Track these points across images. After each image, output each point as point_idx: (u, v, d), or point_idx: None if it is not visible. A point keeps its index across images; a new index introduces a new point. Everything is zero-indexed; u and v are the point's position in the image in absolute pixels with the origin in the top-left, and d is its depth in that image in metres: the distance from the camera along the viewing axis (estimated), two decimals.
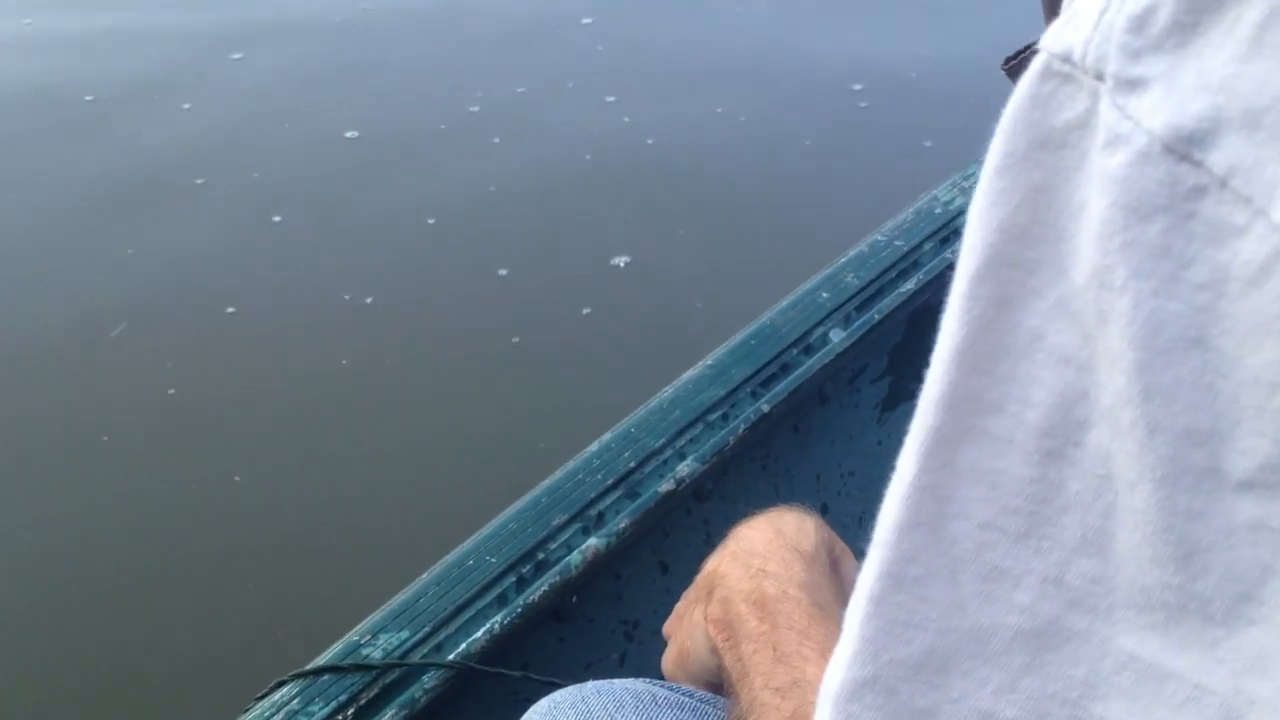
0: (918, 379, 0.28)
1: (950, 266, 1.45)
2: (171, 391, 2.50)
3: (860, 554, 0.30)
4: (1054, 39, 0.25)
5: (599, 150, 3.39)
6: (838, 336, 1.27)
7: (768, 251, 2.89)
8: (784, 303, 1.30)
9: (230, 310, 2.74)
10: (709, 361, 1.23)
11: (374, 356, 2.60)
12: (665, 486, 1.13)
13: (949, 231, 1.39)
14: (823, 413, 1.34)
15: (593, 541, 1.08)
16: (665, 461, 1.15)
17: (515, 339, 2.65)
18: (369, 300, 2.78)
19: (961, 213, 1.41)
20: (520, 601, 1.03)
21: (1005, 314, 0.25)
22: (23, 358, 2.61)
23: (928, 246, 1.38)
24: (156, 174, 3.32)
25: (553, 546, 1.07)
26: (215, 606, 2.01)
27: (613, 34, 4.12)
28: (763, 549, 0.75)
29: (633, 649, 1.18)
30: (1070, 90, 0.24)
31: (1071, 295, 0.24)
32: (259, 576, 2.07)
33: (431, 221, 3.07)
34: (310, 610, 1.98)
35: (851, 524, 1.34)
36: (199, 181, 3.26)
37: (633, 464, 1.13)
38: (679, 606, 0.79)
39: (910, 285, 1.34)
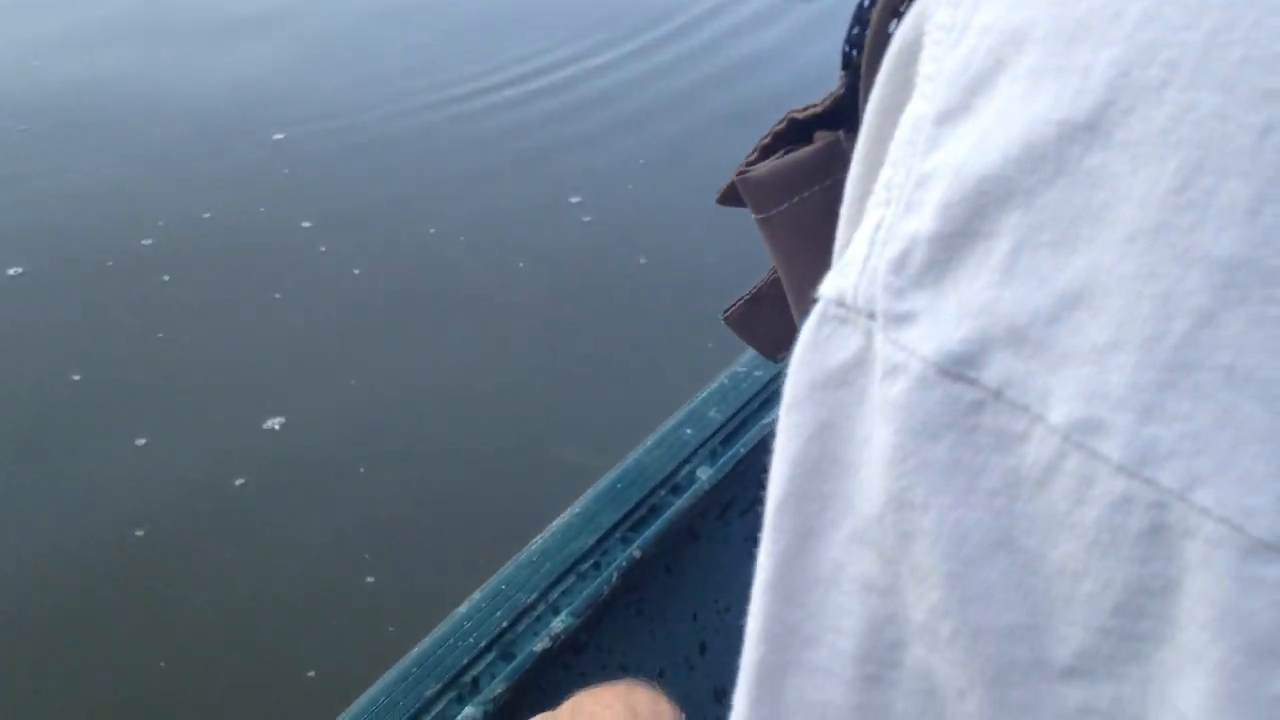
0: None
1: None
2: None
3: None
4: (828, 286, 0.26)
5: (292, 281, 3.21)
6: (705, 474, 1.26)
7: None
8: (649, 442, 1.29)
9: None
10: (576, 509, 1.21)
11: None
12: (541, 644, 1.09)
13: None
14: (694, 550, 1.32)
15: (468, 711, 1.03)
16: (539, 618, 1.11)
17: (139, 532, 2.43)
18: None
19: None
20: None
21: (809, 546, 0.27)
22: None
23: (787, 374, 1.39)
24: None
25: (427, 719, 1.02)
26: None
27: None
28: None
29: None
30: (846, 331, 0.26)
31: (864, 526, 0.25)
32: None
33: (76, 377, 2.85)
34: None
35: (732, 660, 1.32)
36: None
37: (505, 623, 1.10)
38: None
39: (773, 415, 1.34)
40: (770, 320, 0.32)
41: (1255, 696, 0.20)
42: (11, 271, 3.18)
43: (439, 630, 1.09)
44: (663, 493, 1.24)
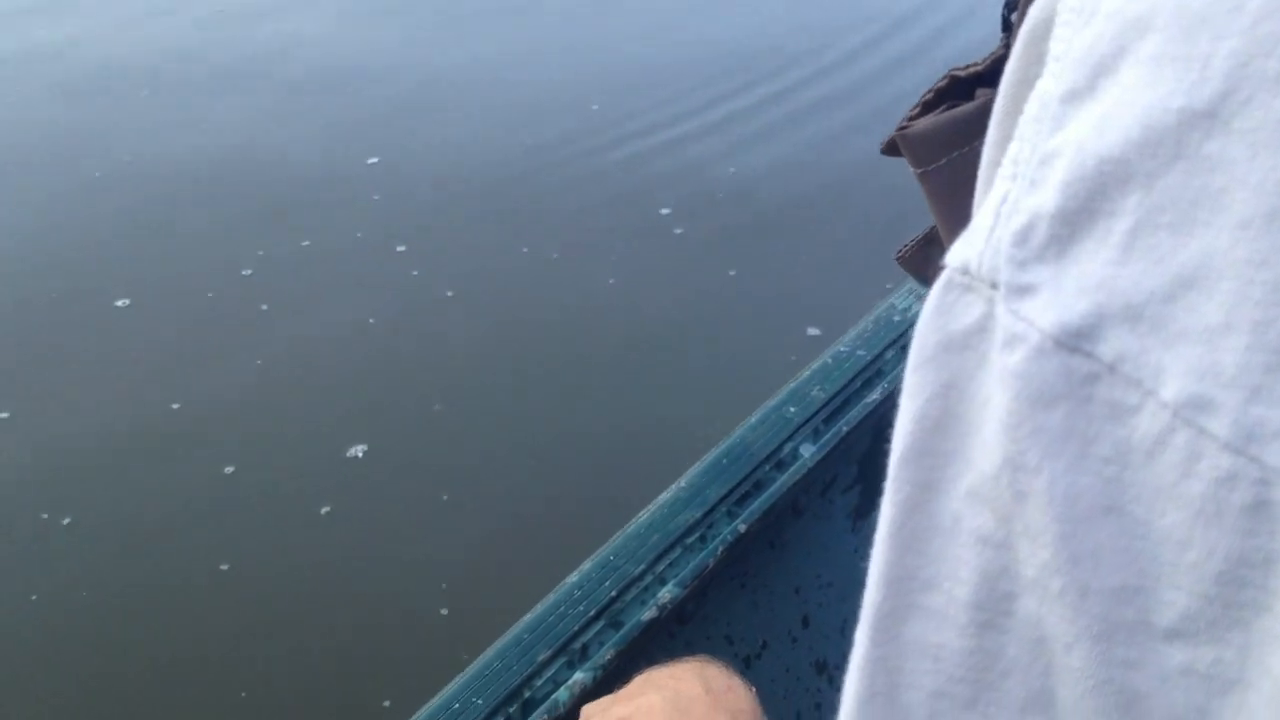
0: None
1: None
2: None
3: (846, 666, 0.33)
4: (954, 255, 0.28)
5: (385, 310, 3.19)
6: (808, 451, 1.28)
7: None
8: (753, 419, 1.31)
9: None
10: (683, 483, 1.24)
11: (70, 585, 2.43)
12: (648, 614, 1.12)
13: (909, 339, 1.42)
14: (797, 525, 1.34)
15: (578, 676, 1.07)
16: (646, 588, 1.14)
17: (225, 566, 2.44)
18: (66, 521, 2.59)
19: None
20: None
21: (929, 498, 0.28)
22: None
23: (889, 355, 1.40)
24: None
25: (538, 683, 1.06)
26: None
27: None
28: (699, 711, 0.74)
29: None
30: (970, 299, 0.27)
31: (980, 483, 0.27)
32: None
33: (175, 406, 2.87)
34: None
35: (834, 634, 1.34)
36: None
37: (614, 593, 1.13)
38: None
39: (875, 395, 1.36)
40: (937, 263, 0.35)
41: None
42: (120, 303, 3.27)
43: (551, 598, 1.12)
44: (767, 468, 1.26)
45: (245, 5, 5.29)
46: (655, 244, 3.44)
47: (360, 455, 2.70)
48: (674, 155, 3.91)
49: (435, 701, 1.04)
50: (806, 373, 1.38)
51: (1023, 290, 0.26)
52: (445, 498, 2.60)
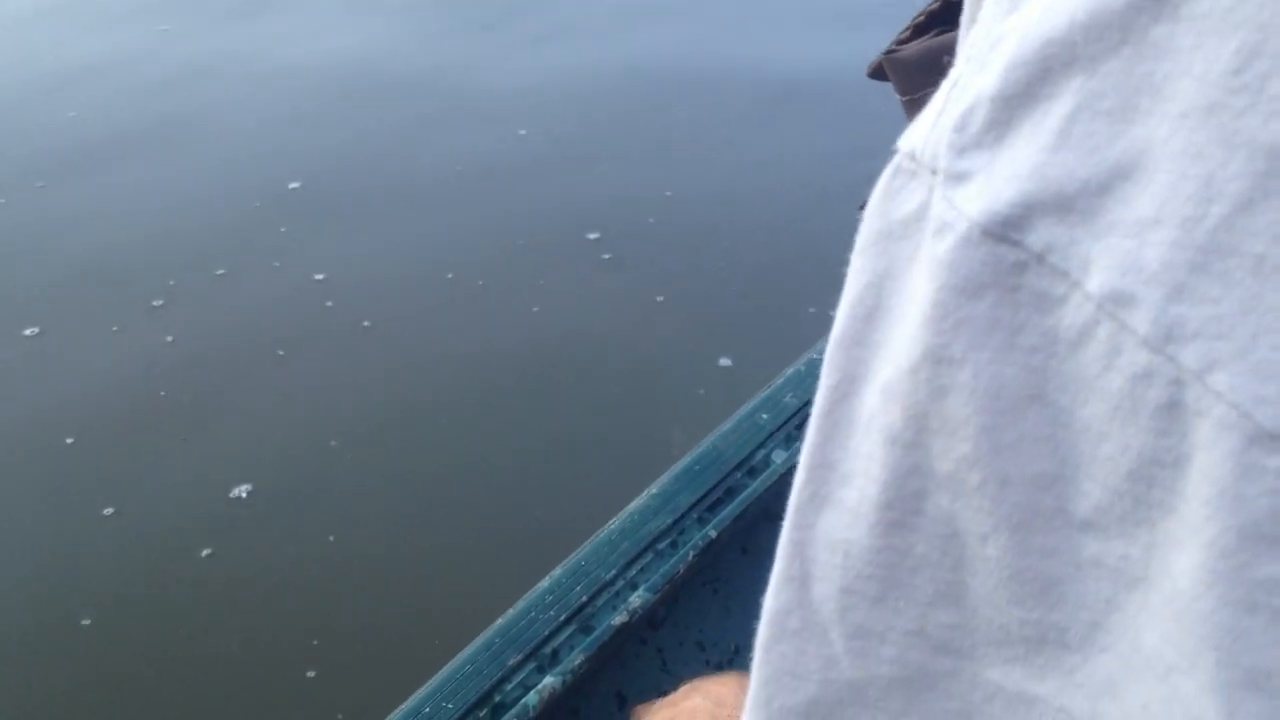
0: None
1: None
2: None
3: None
4: (904, 140, 0.27)
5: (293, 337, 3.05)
6: (780, 457, 1.29)
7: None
8: (725, 426, 1.32)
9: None
10: (654, 490, 1.25)
11: None
12: (618, 619, 1.13)
13: None
14: (770, 531, 1.34)
15: (549, 680, 1.08)
16: (617, 593, 1.15)
17: (86, 621, 2.29)
18: None
19: None
20: None
21: (853, 390, 0.28)
22: None
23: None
24: None
25: (509, 688, 1.07)
26: None
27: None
28: (733, 701, 0.76)
29: None
30: (913, 185, 0.26)
31: (895, 379, 0.26)
32: None
33: (69, 441, 2.76)
34: None
35: None
36: None
37: (585, 598, 1.14)
38: None
39: None
40: None
41: (1240, 577, 0.21)
42: (27, 332, 3.17)
43: (521, 603, 1.13)
44: (739, 475, 1.27)
45: (185, 22, 5.26)
46: (581, 270, 3.33)
47: (244, 495, 2.59)
48: (605, 177, 3.83)
49: (406, 705, 1.05)
50: (780, 380, 1.39)
51: (959, 177, 0.25)
52: (332, 539, 2.47)
